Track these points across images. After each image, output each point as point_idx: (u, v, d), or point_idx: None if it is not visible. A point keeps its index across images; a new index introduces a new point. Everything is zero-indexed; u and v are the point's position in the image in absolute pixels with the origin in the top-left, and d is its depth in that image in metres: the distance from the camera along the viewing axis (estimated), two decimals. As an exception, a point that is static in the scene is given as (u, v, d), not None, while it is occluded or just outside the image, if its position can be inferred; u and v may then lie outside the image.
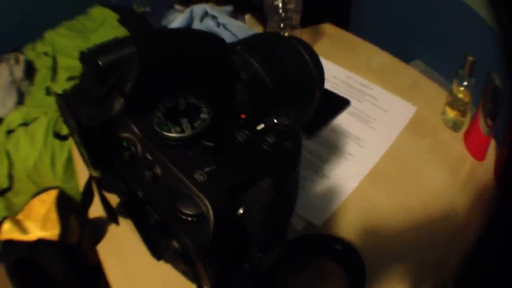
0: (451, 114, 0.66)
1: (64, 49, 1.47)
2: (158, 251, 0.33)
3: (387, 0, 1.41)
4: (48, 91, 1.28)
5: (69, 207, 0.95)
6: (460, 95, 0.63)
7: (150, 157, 0.28)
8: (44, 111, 1.16)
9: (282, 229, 0.29)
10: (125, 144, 0.30)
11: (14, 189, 1.05)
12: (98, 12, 1.70)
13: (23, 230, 0.87)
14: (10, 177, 1.06)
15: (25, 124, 1.12)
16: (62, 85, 1.30)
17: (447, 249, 0.49)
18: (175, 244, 0.28)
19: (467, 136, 0.64)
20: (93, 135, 0.29)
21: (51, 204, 0.91)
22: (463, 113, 0.65)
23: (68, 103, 0.30)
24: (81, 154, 0.40)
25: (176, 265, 0.33)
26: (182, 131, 0.28)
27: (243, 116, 0.32)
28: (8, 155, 1.08)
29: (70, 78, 1.34)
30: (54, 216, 0.87)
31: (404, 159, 0.62)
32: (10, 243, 0.90)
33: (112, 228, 0.55)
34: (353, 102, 0.76)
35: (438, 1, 1.24)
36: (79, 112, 0.29)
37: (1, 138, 1.10)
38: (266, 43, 0.42)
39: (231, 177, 0.27)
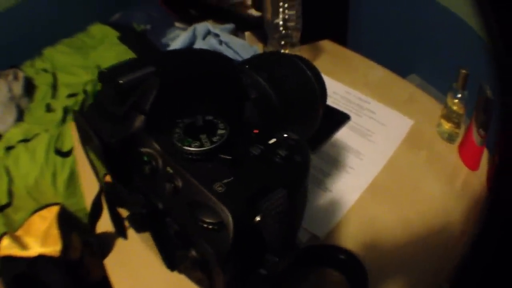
0: (446, 126, 0.68)
1: (64, 66, 1.47)
2: (172, 261, 0.34)
3: (383, 17, 1.45)
4: (49, 108, 1.28)
5: (71, 224, 0.94)
6: (455, 107, 0.64)
7: (171, 171, 0.30)
8: (45, 128, 1.16)
9: (294, 235, 0.31)
10: (145, 158, 0.31)
11: (14, 205, 1.05)
12: (98, 30, 1.72)
13: (23, 246, 0.87)
14: (10, 193, 1.05)
15: (25, 140, 1.12)
16: (62, 102, 1.30)
17: (445, 256, 0.51)
18: (194, 253, 0.29)
19: (461, 147, 0.66)
20: (114, 151, 0.31)
21: (52, 220, 0.90)
22: (457, 125, 0.66)
23: (88, 120, 0.32)
24: (93, 168, 0.41)
25: (190, 275, 0.34)
26: (202, 145, 0.30)
27: (255, 131, 0.34)
28: (7, 171, 1.07)
29: (70, 95, 1.34)
30: (55, 232, 0.87)
31: (402, 171, 0.64)
32: (9, 259, 0.90)
33: (119, 243, 0.56)
34: (352, 116, 0.78)
35: (432, 18, 1.27)
36: (99, 129, 0.31)
37: (0, 154, 1.10)
38: (271, 62, 0.45)
39: (248, 187, 0.29)
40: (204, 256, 0.29)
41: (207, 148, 0.29)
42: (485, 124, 0.57)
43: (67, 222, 0.93)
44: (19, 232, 0.95)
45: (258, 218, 0.28)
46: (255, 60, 0.45)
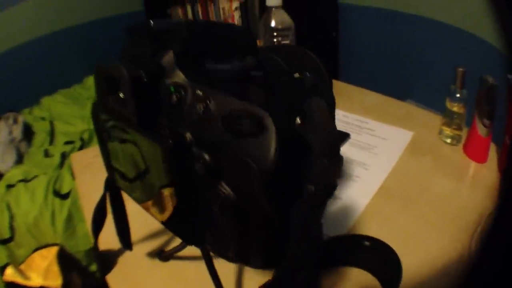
0: (448, 131, 0.68)
1: (61, 115, 1.51)
2: (198, 234, 0.32)
3: (373, 49, 1.51)
4: (47, 154, 1.30)
5: (70, 263, 0.93)
6: (455, 109, 0.65)
7: (201, 93, 0.29)
8: (44, 171, 1.18)
9: (337, 143, 0.28)
10: (172, 90, 0.31)
11: (16, 240, 1.05)
12: (93, 81, 1.76)
13: (26, 277, 0.84)
14: (12, 228, 1.06)
15: (25, 180, 1.13)
16: (60, 148, 1.32)
17: (464, 245, 0.50)
18: (225, 188, 0.27)
19: (466, 144, 0.66)
20: (142, 84, 0.30)
21: (52, 259, 0.89)
22: (459, 127, 0.67)
23: (115, 62, 0.31)
24: (104, 152, 0.40)
25: (217, 242, 0.32)
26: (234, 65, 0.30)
27: None
28: (9, 207, 1.09)
29: (67, 142, 1.36)
30: (55, 268, 0.85)
31: (410, 175, 0.64)
32: (13, 285, 0.90)
33: (122, 258, 0.53)
34: (352, 135, 0.79)
35: (424, 42, 1.33)
36: (127, 66, 0.30)
37: (1, 191, 1.12)
38: (281, 47, 0.45)
39: (284, 96, 0.28)
40: (239, 184, 0.27)
41: (239, 65, 0.29)
42: (490, 113, 0.58)
43: (67, 262, 0.90)
44: (22, 267, 0.95)
45: (298, 121, 0.27)
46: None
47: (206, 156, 0.28)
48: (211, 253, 0.36)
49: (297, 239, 0.27)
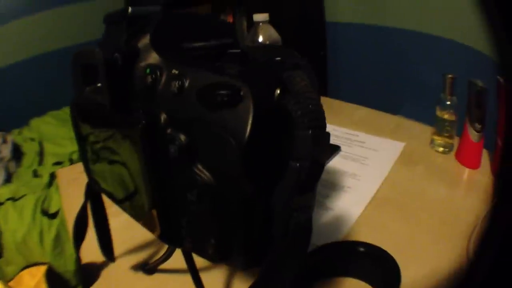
0: (440, 140, 0.68)
1: (50, 137, 1.51)
2: (176, 232, 0.30)
3: (360, 67, 1.53)
4: (35, 174, 1.30)
5: (59, 283, 0.91)
6: (446, 116, 0.65)
7: (176, 72, 0.28)
8: (32, 191, 1.17)
9: (322, 113, 0.25)
10: (147, 71, 0.30)
11: (5, 257, 1.05)
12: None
13: None
14: (0, 245, 1.05)
15: (13, 199, 1.12)
16: (49, 169, 1.31)
17: (461, 248, 0.48)
18: (202, 170, 0.25)
19: (458, 151, 0.66)
20: (116, 66, 0.30)
21: (40, 278, 0.88)
22: (450, 135, 0.67)
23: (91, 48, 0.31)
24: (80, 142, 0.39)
25: (195, 242, 0.29)
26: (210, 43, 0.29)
27: None
28: None
29: (56, 163, 1.35)
30: (44, 287, 0.83)
31: (403, 184, 0.63)
32: None
33: (105, 272, 0.51)
34: (343, 148, 0.78)
35: (406, 60, 1.36)
36: (104, 49, 0.30)
37: None
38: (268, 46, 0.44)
39: (262, 69, 0.26)
40: (216, 164, 0.25)
41: (216, 43, 0.29)
42: (481, 117, 0.58)
43: (55, 281, 0.89)
44: (11, 283, 0.94)
45: (278, 91, 0.24)
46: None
47: (182, 136, 0.27)
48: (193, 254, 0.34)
49: (281, 227, 0.25)
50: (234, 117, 0.24)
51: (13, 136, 1.47)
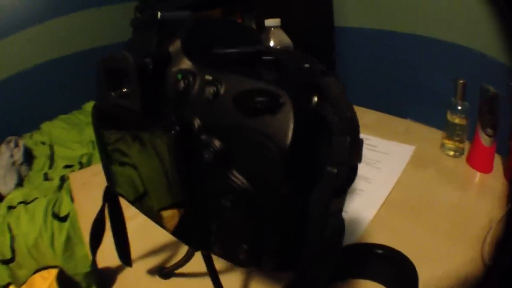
0: (450, 144, 0.68)
1: (60, 140, 1.52)
2: (206, 238, 0.30)
3: (369, 71, 1.52)
4: (46, 177, 1.31)
5: (70, 286, 0.92)
6: (456, 121, 0.65)
7: (210, 78, 0.28)
8: (43, 194, 1.18)
9: (356, 119, 0.25)
10: (179, 77, 0.30)
11: (17, 261, 1.05)
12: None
13: None
14: (13, 249, 1.05)
15: (25, 202, 1.13)
16: (59, 172, 1.33)
17: (474, 251, 0.48)
18: (237, 176, 0.25)
19: (470, 155, 0.66)
20: (148, 71, 0.30)
21: (52, 281, 0.88)
22: (461, 140, 0.67)
23: (125, 48, 0.31)
24: (102, 148, 0.39)
25: (225, 247, 0.29)
26: (245, 48, 0.28)
27: None
28: (9, 228, 1.09)
29: (66, 166, 1.36)
30: None
31: (414, 187, 0.63)
32: None
33: (121, 276, 0.51)
34: (353, 151, 0.79)
35: (415, 65, 1.35)
36: (134, 53, 0.30)
37: (2, 212, 1.13)
38: (282, 50, 0.45)
39: (297, 77, 0.26)
40: (254, 171, 0.25)
41: (250, 50, 0.28)
42: (493, 122, 0.58)
43: (66, 284, 0.89)
44: (23, 287, 0.96)
45: (316, 99, 0.25)
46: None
47: (216, 142, 0.26)
48: (219, 257, 0.34)
49: (317, 231, 0.25)
50: (274, 124, 0.24)
51: (24, 140, 1.48)
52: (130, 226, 0.46)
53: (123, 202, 0.43)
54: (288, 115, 0.23)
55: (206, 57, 0.30)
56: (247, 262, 0.28)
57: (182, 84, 0.29)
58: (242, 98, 0.25)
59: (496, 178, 0.61)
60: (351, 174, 0.25)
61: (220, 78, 0.27)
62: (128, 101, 0.31)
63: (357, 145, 0.24)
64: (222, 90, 0.27)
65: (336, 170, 0.24)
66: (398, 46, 1.39)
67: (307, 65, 0.28)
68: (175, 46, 0.31)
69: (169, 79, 0.30)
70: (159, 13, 0.31)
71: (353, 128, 0.24)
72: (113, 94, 0.32)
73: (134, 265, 0.49)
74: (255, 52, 0.28)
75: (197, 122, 0.28)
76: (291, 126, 0.23)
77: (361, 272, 0.46)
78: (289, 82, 0.25)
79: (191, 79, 0.29)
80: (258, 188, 0.25)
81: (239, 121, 0.25)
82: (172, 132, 0.28)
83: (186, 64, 0.30)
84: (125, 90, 0.31)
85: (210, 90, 0.27)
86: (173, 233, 0.34)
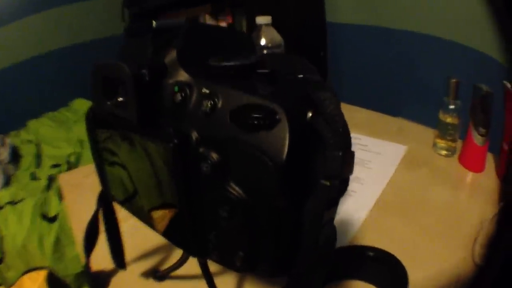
0: (442, 143, 0.68)
1: (47, 139, 1.50)
2: (204, 246, 0.31)
3: (361, 68, 1.52)
4: (34, 177, 1.29)
5: (60, 287, 0.91)
6: (449, 120, 0.65)
7: (207, 91, 0.28)
8: (31, 194, 1.16)
9: (348, 134, 0.26)
10: (176, 89, 0.30)
11: (6, 262, 1.05)
12: (80, 104, 1.77)
13: None
14: (1, 250, 1.05)
15: (12, 202, 1.11)
16: (46, 171, 1.31)
17: (465, 251, 0.49)
18: (234, 188, 0.26)
19: (462, 155, 0.66)
20: (144, 83, 0.29)
21: (42, 281, 0.87)
22: (453, 139, 0.67)
23: (113, 60, 0.31)
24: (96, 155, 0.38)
25: (222, 254, 0.30)
26: (240, 61, 0.29)
27: None
28: None
29: (54, 166, 1.35)
30: None
31: (406, 187, 0.63)
32: None
33: (115, 279, 0.51)
34: (344, 151, 0.79)
35: (407, 61, 1.35)
36: (129, 63, 0.29)
37: None
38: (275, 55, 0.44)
39: (292, 91, 0.27)
40: (250, 183, 0.26)
41: (245, 62, 0.28)
42: (485, 121, 0.58)
43: (56, 285, 0.88)
44: None
45: (310, 113, 0.26)
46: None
47: (214, 155, 0.27)
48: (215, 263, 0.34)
49: (311, 240, 0.26)
50: (270, 139, 0.25)
51: (11, 139, 1.46)
52: (124, 228, 0.46)
53: (116, 204, 0.43)
54: (284, 131, 0.24)
55: (202, 67, 0.30)
56: (243, 268, 0.29)
57: (179, 97, 0.29)
58: (239, 113, 0.26)
59: (488, 177, 0.62)
60: (343, 186, 0.26)
61: (217, 91, 0.28)
62: (124, 111, 0.31)
63: (349, 159, 0.25)
64: (219, 104, 0.27)
65: (329, 183, 0.25)
66: (391, 43, 1.39)
67: (301, 76, 0.29)
68: (171, 56, 0.31)
69: (165, 90, 0.30)
70: (154, 22, 0.31)
71: (345, 143, 0.26)
72: (108, 103, 0.32)
73: (128, 268, 0.48)
74: (250, 65, 0.29)
75: (194, 135, 0.28)
76: (287, 142, 0.24)
77: (354, 274, 0.47)
78: (284, 96, 0.26)
79: (188, 91, 0.29)
80: (255, 199, 0.26)
81: (235, 135, 0.26)
82: (171, 144, 0.28)
83: (182, 76, 0.30)
84: (120, 99, 0.31)
85: (208, 103, 0.28)
86: (171, 240, 0.34)
